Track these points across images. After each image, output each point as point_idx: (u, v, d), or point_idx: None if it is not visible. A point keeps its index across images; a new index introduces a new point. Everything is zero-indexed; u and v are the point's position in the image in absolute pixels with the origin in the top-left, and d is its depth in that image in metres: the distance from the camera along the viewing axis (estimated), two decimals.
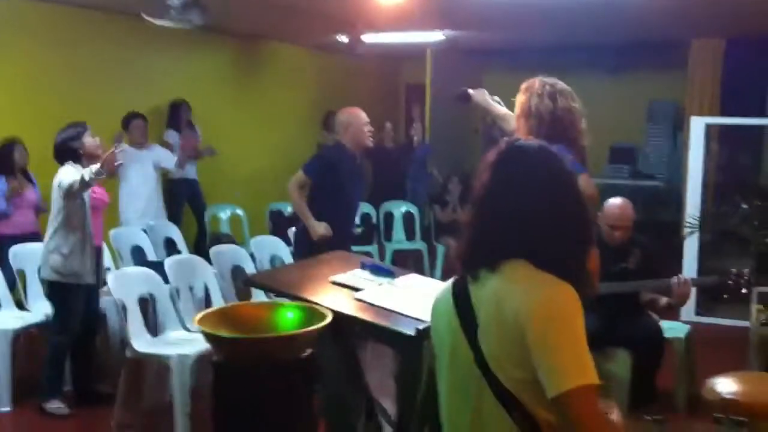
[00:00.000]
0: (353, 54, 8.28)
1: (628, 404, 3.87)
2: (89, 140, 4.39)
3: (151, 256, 5.85)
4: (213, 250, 5.14)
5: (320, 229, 4.57)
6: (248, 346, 2.63)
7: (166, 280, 4.56)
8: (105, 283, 4.45)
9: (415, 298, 2.87)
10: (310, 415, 2.76)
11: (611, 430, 1.68)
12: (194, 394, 3.98)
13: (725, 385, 3.21)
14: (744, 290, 3.93)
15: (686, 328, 4.66)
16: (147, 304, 4.66)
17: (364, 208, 7.51)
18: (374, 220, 7.86)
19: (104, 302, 4.60)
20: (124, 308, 4.19)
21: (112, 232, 5.74)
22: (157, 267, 4.69)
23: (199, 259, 4.93)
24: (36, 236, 5.10)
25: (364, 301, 2.86)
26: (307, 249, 4.50)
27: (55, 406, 4.32)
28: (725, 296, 4.02)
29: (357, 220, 5.68)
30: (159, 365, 4.23)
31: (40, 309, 4.74)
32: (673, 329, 4.47)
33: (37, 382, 4.39)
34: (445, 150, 9.01)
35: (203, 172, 7.39)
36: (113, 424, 4.14)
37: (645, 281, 4.09)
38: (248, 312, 2.92)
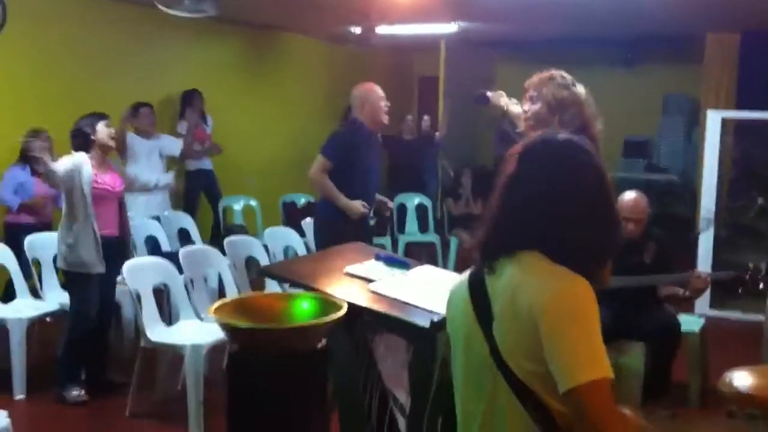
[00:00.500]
0: (366, 45, 8.27)
1: (642, 397, 3.87)
2: (102, 128, 4.37)
3: (165, 246, 5.88)
4: (227, 241, 5.15)
5: (357, 206, 4.55)
6: (264, 337, 2.63)
7: (180, 271, 4.58)
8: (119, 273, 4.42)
9: (429, 290, 2.86)
10: (323, 406, 2.77)
11: (625, 424, 1.66)
12: (207, 382, 4.01)
13: (742, 379, 3.20)
14: (761, 285, 3.92)
15: (701, 321, 4.65)
16: (161, 294, 4.67)
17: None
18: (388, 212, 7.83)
19: (119, 292, 4.61)
20: (138, 298, 4.21)
21: None
22: (172, 257, 4.71)
23: (212, 250, 4.94)
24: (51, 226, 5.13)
25: (378, 293, 2.85)
26: (327, 240, 4.42)
27: (75, 393, 4.33)
28: (740, 291, 3.99)
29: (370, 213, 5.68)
30: (173, 354, 4.27)
31: (55, 298, 4.77)
32: (687, 323, 4.46)
33: (52, 371, 4.42)
34: (458, 143, 8.97)
35: (216, 163, 7.41)
36: (127, 413, 4.18)
37: (663, 275, 4.09)
38: (264, 302, 2.91)
